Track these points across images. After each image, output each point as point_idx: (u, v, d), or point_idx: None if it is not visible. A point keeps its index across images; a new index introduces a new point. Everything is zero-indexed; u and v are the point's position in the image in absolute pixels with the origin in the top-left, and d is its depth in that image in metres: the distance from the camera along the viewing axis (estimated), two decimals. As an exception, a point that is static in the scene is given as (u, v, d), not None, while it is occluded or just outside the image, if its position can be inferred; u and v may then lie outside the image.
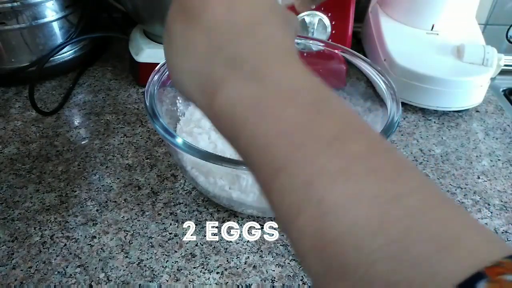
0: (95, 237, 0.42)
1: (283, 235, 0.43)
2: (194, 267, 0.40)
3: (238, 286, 0.38)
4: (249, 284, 0.38)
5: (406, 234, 0.16)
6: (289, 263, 0.40)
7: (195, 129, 0.47)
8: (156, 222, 0.44)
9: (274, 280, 0.39)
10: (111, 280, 0.38)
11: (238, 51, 0.21)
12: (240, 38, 0.21)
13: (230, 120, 0.20)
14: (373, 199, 0.16)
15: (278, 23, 0.22)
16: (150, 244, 0.41)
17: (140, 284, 0.38)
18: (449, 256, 0.15)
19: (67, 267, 0.39)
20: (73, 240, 0.42)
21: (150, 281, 0.38)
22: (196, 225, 0.43)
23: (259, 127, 0.19)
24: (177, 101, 0.51)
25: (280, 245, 0.42)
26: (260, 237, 0.43)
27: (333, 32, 0.60)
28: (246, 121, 0.20)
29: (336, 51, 0.50)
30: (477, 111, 0.62)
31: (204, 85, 0.22)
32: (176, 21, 0.24)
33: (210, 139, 0.46)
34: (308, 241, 0.17)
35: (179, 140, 0.37)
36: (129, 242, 0.42)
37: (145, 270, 0.39)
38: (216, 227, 0.43)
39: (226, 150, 0.44)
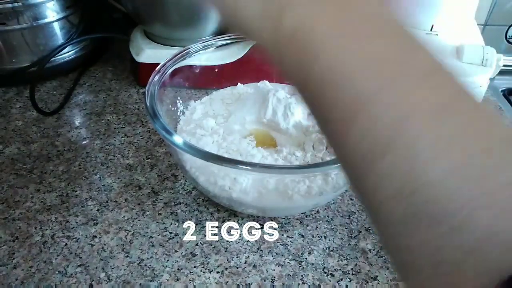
0: (95, 236, 0.42)
1: (283, 235, 0.43)
2: (195, 267, 0.40)
3: (238, 285, 0.38)
4: (249, 283, 0.39)
5: (505, 188, 0.14)
6: (289, 263, 0.40)
7: (198, 130, 0.47)
8: (157, 222, 0.44)
9: (274, 279, 0.39)
10: (111, 280, 0.38)
11: None
12: None
13: (302, 45, 0.18)
14: (470, 148, 0.15)
15: None
16: (151, 243, 0.42)
17: (140, 284, 0.38)
18: None
19: (67, 267, 0.39)
20: (74, 239, 0.42)
21: (151, 281, 0.38)
22: (196, 224, 0.44)
23: (341, 54, 0.17)
24: (177, 101, 0.51)
25: (280, 244, 0.42)
26: (260, 236, 0.43)
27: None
28: (325, 46, 0.17)
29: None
30: (477, 112, 0.62)
31: (269, 5, 0.19)
32: None
33: (213, 140, 0.46)
34: (394, 184, 0.16)
35: (179, 140, 0.37)
36: (129, 241, 0.42)
37: (146, 270, 0.39)
38: (216, 227, 0.43)
39: (229, 150, 0.45)
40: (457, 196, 0.15)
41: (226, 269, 0.40)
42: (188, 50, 0.49)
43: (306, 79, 0.18)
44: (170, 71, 0.47)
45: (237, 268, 0.40)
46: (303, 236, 0.43)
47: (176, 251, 0.41)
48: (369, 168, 0.16)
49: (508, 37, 0.76)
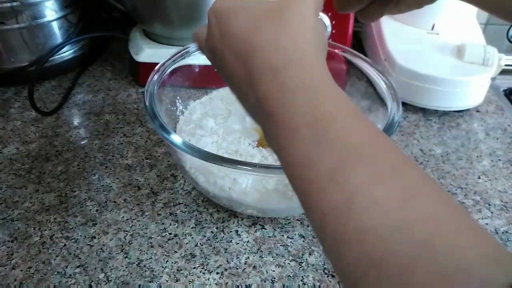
0: (94, 237, 0.42)
1: (283, 235, 0.43)
2: (194, 268, 0.39)
3: (238, 286, 0.38)
4: (249, 284, 0.38)
5: (409, 265, 0.17)
6: (289, 264, 0.40)
7: (197, 131, 0.47)
8: (156, 222, 0.44)
9: (274, 280, 0.39)
10: (110, 281, 0.38)
11: (255, 95, 0.23)
12: (252, 84, 0.24)
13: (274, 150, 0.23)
14: (374, 231, 0.18)
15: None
16: (150, 244, 0.41)
17: (139, 285, 0.38)
18: None
19: (66, 267, 0.39)
20: (73, 240, 0.42)
21: (150, 282, 0.38)
22: (196, 225, 0.43)
23: (283, 163, 0.23)
24: (176, 100, 0.51)
25: (280, 245, 0.42)
26: (260, 237, 0.42)
27: (333, 31, 0.59)
28: (278, 156, 0.23)
29: (336, 51, 0.50)
30: (478, 111, 0.62)
31: (244, 85, 0.24)
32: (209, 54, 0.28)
33: (213, 139, 0.46)
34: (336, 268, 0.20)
35: (179, 140, 0.37)
36: (128, 242, 0.41)
37: (145, 271, 0.39)
38: (216, 227, 0.43)
39: (228, 150, 0.44)
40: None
41: (226, 270, 0.39)
42: (187, 49, 0.48)
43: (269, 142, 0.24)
44: (169, 70, 0.46)
45: (237, 269, 0.40)
46: (303, 237, 0.43)
47: (175, 251, 0.41)
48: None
49: (509, 36, 0.76)
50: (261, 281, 0.39)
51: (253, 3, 0.25)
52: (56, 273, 0.39)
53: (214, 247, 0.41)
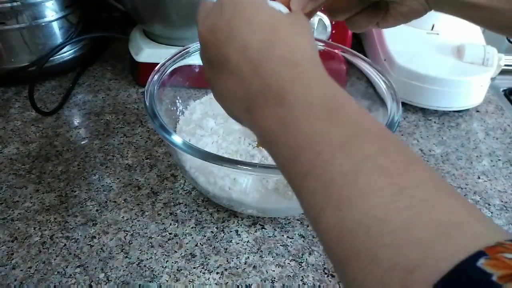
0: (94, 237, 0.42)
1: (283, 235, 0.43)
2: (194, 267, 0.40)
3: (238, 286, 0.38)
4: (249, 284, 0.38)
5: (410, 222, 0.18)
6: (289, 263, 0.40)
7: (198, 131, 0.47)
8: (156, 222, 0.44)
9: (274, 280, 0.39)
10: (110, 281, 0.38)
11: (262, 83, 0.24)
12: (259, 71, 0.24)
13: (266, 136, 0.24)
14: (380, 192, 0.19)
15: (288, 41, 0.25)
16: (150, 244, 0.41)
17: (140, 284, 0.38)
18: (451, 241, 0.16)
19: (66, 267, 0.39)
20: (73, 240, 0.42)
21: (150, 281, 0.38)
22: (196, 225, 0.43)
23: (287, 141, 0.23)
24: (176, 100, 0.51)
25: (280, 245, 0.42)
26: (260, 237, 0.42)
27: (333, 32, 0.59)
28: (277, 138, 0.23)
29: (336, 51, 0.50)
30: (478, 111, 0.62)
31: (246, 110, 0.26)
32: (208, 71, 0.28)
33: (213, 139, 0.46)
34: (332, 233, 0.20)
35: (179, 140, 0.37)
36: (129, 242, 0.42)
37: (145, 270, 0.39)
38: (216, 227, 0.43)
39: (228, 150, 0.44)
40: (369, 237, 0.18)
41: (226, 269, 0.39)
42: (187, 49, 0.48)
43: (273, 157, 0.25)
44: (169, 70, 0.46)
45: (237, 269, 0.40)
46: (303, 237, 0.43)
47: (175, 251, 0.41)
48: (317, 221, 0.21)
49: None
50: (261, 281, 0.39)
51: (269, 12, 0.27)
52: (56, 273, 0.39)
53: (214, 247, 0.41)
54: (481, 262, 0.15)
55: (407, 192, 0.19)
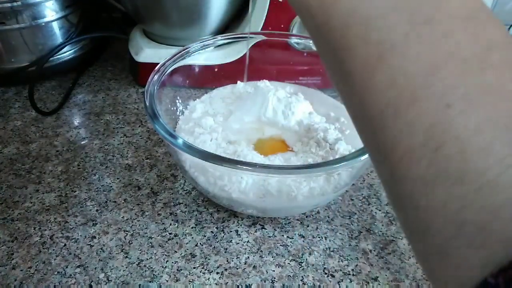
0: (94, 237, 0.42)
1: (283, 235, 0.43)
2: (194, 267, 0.40)
3: (238, 286, 0.38)
4: (249, 284, 0.38)
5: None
6: (289, 263, 0.40)
7: (196, 129, 0.47)
8: (156, 222, 0.44)
9: (274, 280, 0.39)
10: (111, 281, 0.38)
11: None
12: None
13: None
14: (507, 101, 0.15)
15: None
16: (150, 244, 0.41)
17: (140, 285, 0.38)
18: None
19: (66, 267, 0.39)
20: (73, 240, 0.42)
21: (150, 281, 0.38)
22: (196, 225, 0.43)
23: None
24: (176, 100, 0.51)
25: (280, 245, 0.42)
26: (260, 237, 0.42)
27: None
28: None
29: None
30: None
31: None
32: None
33: (212, 139, 0.46)
34: (418, 137, 0.15)
35: (179, 140, 0.37)
36: (129, 242, 0.42)
37: (145, 270, 0.39)
38: (216, 227, 0.43)
39: (229, 150, 0.44)
40: (490, 153, 0.14)
41: (226, 269, 0.39)
42: (187, 49, 0.48)
43: (328, 22, 0.18)
44: (169, 70, 0.46)
45: (237, 269, 0.40)
46: (303, 237, 0.43)
47: (175, 251, 0.41)
48: (390, 120, 0.16)
49: (509, 36, 0.76)
50: (261, 281, 0.39)
51: None
52: (56, 273, 0.39)
53: (214, 247, 0.41)
54: None
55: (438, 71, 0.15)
